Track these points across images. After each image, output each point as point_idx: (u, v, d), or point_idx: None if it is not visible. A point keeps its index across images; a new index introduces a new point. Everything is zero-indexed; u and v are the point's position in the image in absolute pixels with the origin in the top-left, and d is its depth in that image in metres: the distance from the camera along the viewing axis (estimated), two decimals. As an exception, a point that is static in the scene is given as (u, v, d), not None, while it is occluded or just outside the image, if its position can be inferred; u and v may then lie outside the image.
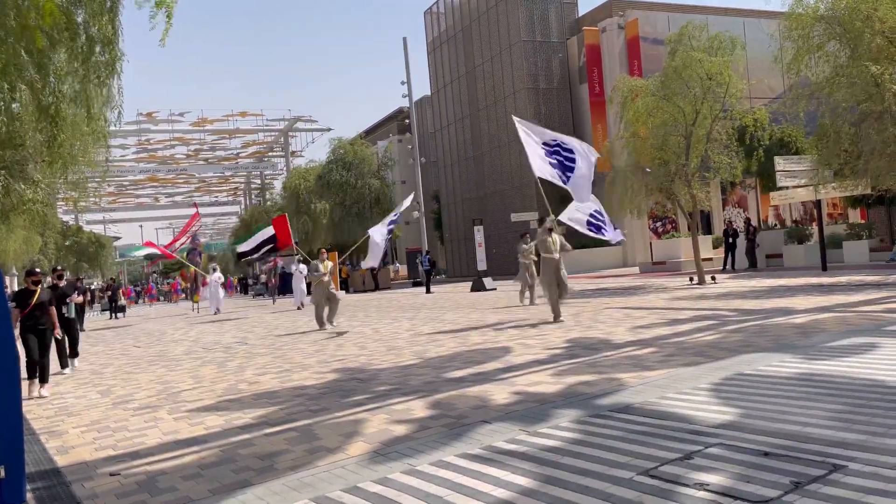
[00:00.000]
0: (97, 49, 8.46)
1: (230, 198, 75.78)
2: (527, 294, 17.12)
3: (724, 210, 34.34)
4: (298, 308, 24.11)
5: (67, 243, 55.97)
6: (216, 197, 74.86)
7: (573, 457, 4.30)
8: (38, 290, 9.32)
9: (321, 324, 15.05)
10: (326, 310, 15.15)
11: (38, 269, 10.01)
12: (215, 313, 25.37)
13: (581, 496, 3.62)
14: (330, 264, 15.54)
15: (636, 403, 5.54)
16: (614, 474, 3.89)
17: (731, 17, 34.17)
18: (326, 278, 15.12)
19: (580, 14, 37.26)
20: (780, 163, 20.83)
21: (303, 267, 23.44)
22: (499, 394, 6.49)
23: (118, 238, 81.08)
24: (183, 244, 32.89)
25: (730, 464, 3.88)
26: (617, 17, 34.08)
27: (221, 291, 26.41)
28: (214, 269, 27.03)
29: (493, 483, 3.96)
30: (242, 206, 72.94)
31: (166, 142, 52.89)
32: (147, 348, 14.58)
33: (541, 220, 12.01)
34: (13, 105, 9.45)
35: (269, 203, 57.22)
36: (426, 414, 5.94)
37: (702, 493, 3.48)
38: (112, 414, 7.34)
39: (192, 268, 28.37)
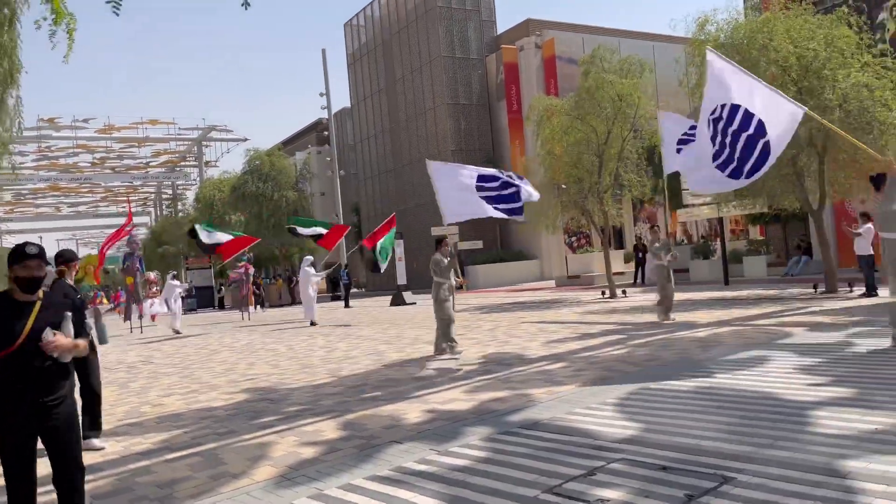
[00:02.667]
0: None
1: (139, 208, 72.80)
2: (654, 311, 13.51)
3: (635, 226, 35.63)
4: (312, 324, 18.84)
5: (-42, 255, 52.46)
6: (124, 207, 71.75)
7: (482, 476, 4.33)
8: None
9: None
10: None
11: None
12: (175, 333, 19.72)
13: (486, 517, 3.64)
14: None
15: (545, 419, 5.65)
16: (520, 492, 3.94)
17: (642, 40, 35.63)
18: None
19: (499, 32, 38.03)
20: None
21: (311, 270, 19.34)
22: (412, 413, 6.48)
23: (16, 249, 76.54)
24: (111, 247, 29.36)
25: (630, 479, 4.00)
26: (534, 37, 34.96)
27: (180, 305, 21.54)
28: (174, 276, 22.98)
29: (400, 506, 3.93)
30: (153, 218, 70.28)
31: (69, 149, 50.35)
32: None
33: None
34: None
35: (181, 214, 55.35)
36: (337, 435, 5.86)
37: (602, 510, 3.57)
38: None
39: (129, 278, 23.63)
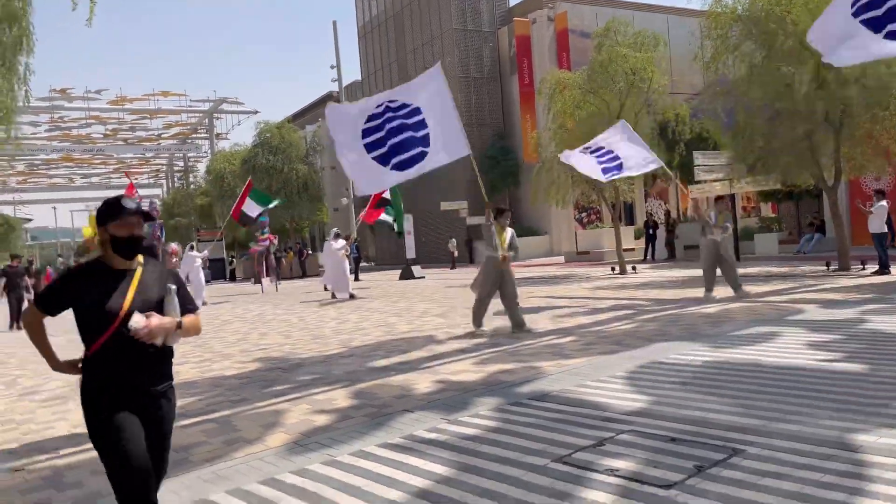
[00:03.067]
0: (4, 25, 8.00)
1: (151, 180, 73.02)
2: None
3: (645, 202, 35.44)
4: (352, 297, 17.59)
5: (-28, 224, 52.86)
6: (136, 179, 71.94)
7: (491, 445, 4.38)
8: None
9: None
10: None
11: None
12: (204, 303, 19.10)
13: (497, 483, 3.69)
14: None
15: (554, 391, 5.69)
16: (530, 461, 3.99)
17: (656, 13, 35.13)
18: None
19: (511, 4, 37.57)
20: (699, 157, 21.63)
21: (342, 242, 18.01)
22: (422, 383, 6.54)
23: (29, 220, 77.08)
24: None
25: (639, 450, 4.04)
26: (547, 9, 34.52)
27: (202, 277, 20.05)
28: (192, 247, 21.31)
29: (411, 472, 3.99)
30: (164, 190, 70.46)
31: (81, 120, 50.42)
32: (56, 336, 13.93)
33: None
34: None
35: (192, 187, 55.51)
36: (348, 404, 5.93)
37: (611, 479, 3.62)
38: (17, 406, 7.00)
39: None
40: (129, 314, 2.74)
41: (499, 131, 36.61)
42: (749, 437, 4.10)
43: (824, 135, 14.70)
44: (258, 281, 24.69)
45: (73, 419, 6.18)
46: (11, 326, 16.69)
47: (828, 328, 7.72)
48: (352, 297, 17.53)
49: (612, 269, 20.58)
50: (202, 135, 57.80)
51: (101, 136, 54.75)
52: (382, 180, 8.93)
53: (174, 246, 26.30)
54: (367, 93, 44.46)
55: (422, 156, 8.52)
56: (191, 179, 59.47)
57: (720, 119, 18.49)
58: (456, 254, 31.41)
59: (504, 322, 9.70)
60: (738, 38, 15.37)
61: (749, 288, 12.02)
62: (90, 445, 5.17)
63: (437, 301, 15.14)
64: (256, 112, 53.53)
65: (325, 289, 19.36)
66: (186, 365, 8.78)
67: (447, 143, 8.68)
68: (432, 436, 4.70)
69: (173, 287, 2.93)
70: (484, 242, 9.69)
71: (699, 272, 17.63)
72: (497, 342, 8.67)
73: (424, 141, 8.51)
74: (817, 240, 20.94)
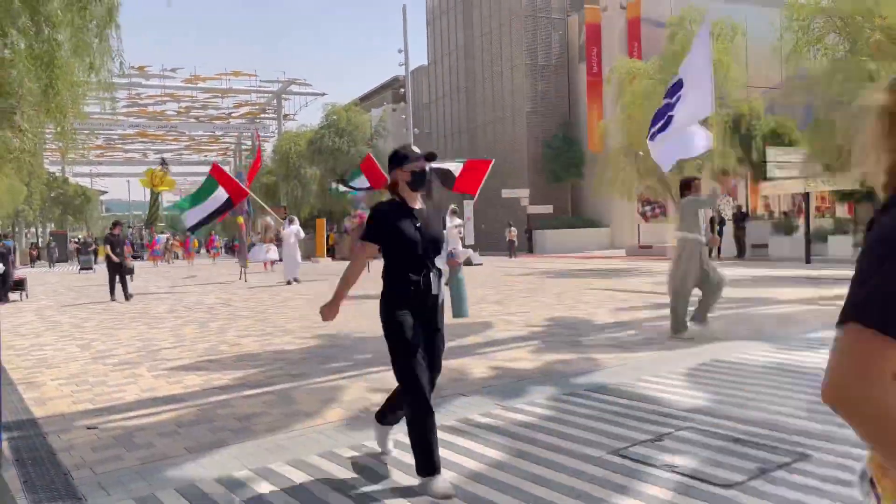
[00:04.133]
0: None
1: (219, 158, 75.05)
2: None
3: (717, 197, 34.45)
4: (291, 282, 18.52)
5: (53, 195, 55.44)
6: (206, 156, 74.10)
7: (546, 433, 4.36)
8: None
9: None
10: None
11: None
12: (290, 282, 18.39)
13: (550, 471, 3.68)
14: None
15: (612, 384, 5.62)
16: (585, 452, 3.96)
17: (734, 3, 33.91)
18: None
19: (583, -9, 36.91)
20: (773, 153, 20.89)
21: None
22: (477, 368, 6.55)
23: (104, 192, 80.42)
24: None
25: (699, 447, 3.95)
26: (619, -3, 33.78)
27: (298, 253, 19.10)
28: (291, 221, 19.98)
29: (465, 454, 4.01)
30: (232, 168, 72.35)
31: (157, 97, 52.15)
32: (129, 304, 14.55)
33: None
34: (4, 52, 9.28)
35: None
36: (405, 384, 5.98)
37: (669, 475, 3.55)
38: (91, 368, 7.35)
39: (239, 218, 20.56)
40: (425, 243, 3.63)
41: (564, 121, 36.15)
42: (816, 441, 3.97)
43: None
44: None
45: (142, 384, 6.45)
46: (112, 298, 15.23)
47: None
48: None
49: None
50: (270, 115, 59.01)
51: (175, 113, 56.52)
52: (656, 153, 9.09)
53: (269, 220, 24.52)
54: (432, 77, 44.52)
55: (668, 121, 8.53)
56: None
57: (797, 114, 17.79)
58: (516, 242, 31.16)
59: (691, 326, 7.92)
60: (821, 31, 14.75)
61: (787, 291, 11.55)
62: (159, 409, 5.41)
63: (495, 287, 15.12)
64: (324, 94, 54.21)
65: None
66: (249, 338, 9.04)
67: (693, 103, 8.35)
68: (486, 420, 4.71)
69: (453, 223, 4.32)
70: (684, 222, 7.71)
71: (768, 271, 17.10)
72: (554, 332, 8.61)
73: (673, 107, 8.50)
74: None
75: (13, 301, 16.18)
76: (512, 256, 29.47)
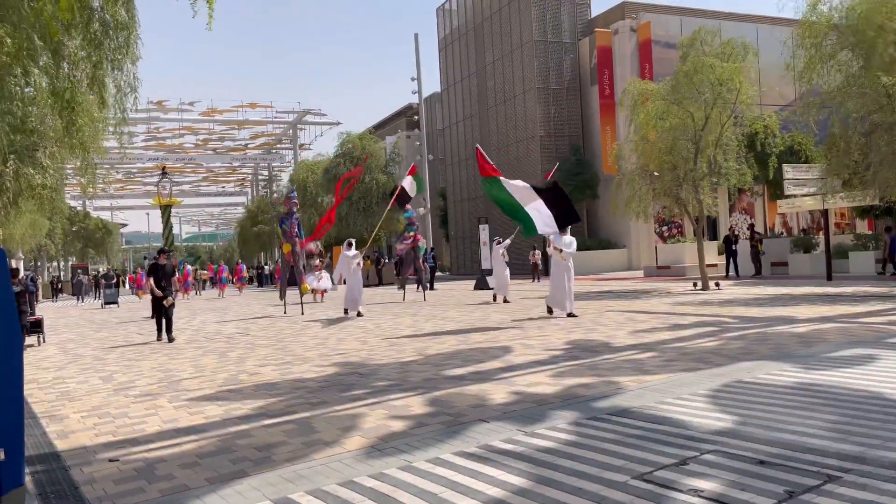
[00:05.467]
0: (111, 34, 8.51)
1: (237, 188, 75.93)
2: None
3: (730, 216, 34.27)
4: (350, 314, 16.51)
5: (74, 228, 56.30)
6: (223, 187, 75.04)
7: (568, 458, 4.31)
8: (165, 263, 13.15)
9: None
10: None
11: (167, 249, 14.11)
12: (348, 314, 16.44)
13: (574, 498, 3.63)
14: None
15: (634, 407, 5.55)
16: (609, 477, 3.90)
17: (744, 22, 34.03)
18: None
19: (593, 15, 37.21)
20: (789, 171, 20.77)
21: (505, 243, 19.24)
22: (497, 393, 6.51)
23: (125, 225, 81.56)
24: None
25: (725, 471, 3.89)
26: (629, 20, 34.02)
27: (360, 281, 16.92)
28: (350, 245, 17.58)
29: (487, 482, 3.97)
30: (249, 198, 73.10)
31: (175, 130, 53.05)
32: (149, 336, 14.65)
33: None
34: (27, 90, 9.50)
35: (275, 195, 57.35)
36: (424, 411, 5.96)
37: (695, 500, 3.49)
38: (113, 400, 7.39)
39: (287, 245, 18.42)
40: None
41: (577, 143, 36.24)
42: (846, 463, 3.88)
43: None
44: (402, 286, 22.08)
45: (163, 415, 6.47)
46: (159, 338, 13.17)
47: (932, 353, 7.23)
48: (505, 301, 17.99)
49: (694, 284, 19.97)
50: (286, 145, 59.74)
51: (193, 145, 57.41)
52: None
53: (313, 246, 22.21)
54: (445, 104, 44.90)
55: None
56: (274, 188, 61.45)
57: (812, 132, 17.70)
58: (540, 266, 30.52)
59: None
60: (834, 47, 14.73)
61: (808, 309, 11.38)
62: (180, 440, 5.42)
63: (510, 311, 15.06)
64: (338, 123, 55.08)
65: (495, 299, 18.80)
66: (268, 367, 9.06)
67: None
68: (508, 447, 4.66)
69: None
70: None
71: (786, 289, 16.89)
72: (574, 355, 8.55)
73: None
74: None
75: (28, 346, 13.31)
76: (535, 280, 28.76)
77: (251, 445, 5.16)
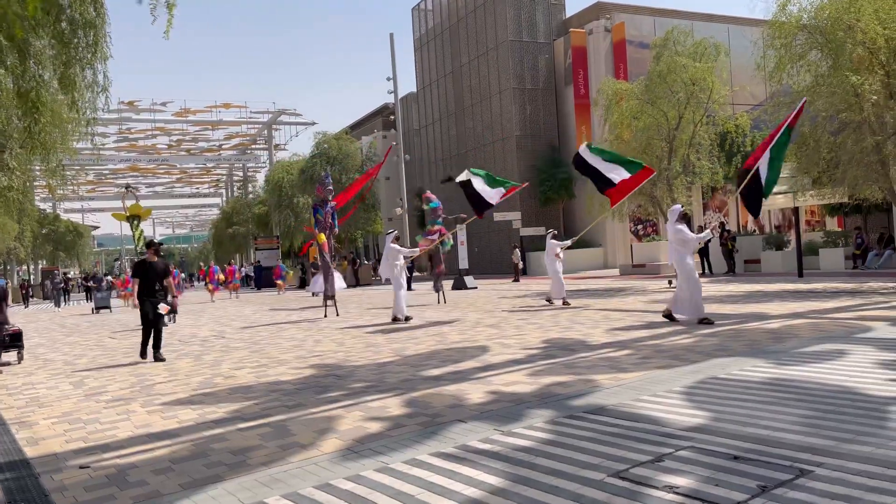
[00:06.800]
0: (80, 33, 8.36)
1: (211, 189, 75.15)
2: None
3: (704, 214, 34.67)
4: (566, 303, 15.52)
5: (44, 231, 55.31)
6: (197, 188, 74.25)
7: (546, 457, 4.32)
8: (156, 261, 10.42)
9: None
10: None
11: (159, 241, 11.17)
12: (399, 319, 14.15)
13: (552, 496, 3.64)
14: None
15: (610, 405, 5.58)
16: (585, 475, 3.92)
17: (716, 23, 34.47)
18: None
19: (567, 16, 37.42)
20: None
21: (557, 244, 16.40)
22: (474, 393, 6.51)
23: (96, 227, 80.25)
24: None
25: (699, 467, 3.92)
26: (604, 20, 34.27)
27: (403, 280, 14.75)
28: (395, 235, 15.27)
29: (464, 482, 3.97)
30: (224, 199, 72.40)
31: (148, 131, 52.33)
32: (122, 340, 14.44)
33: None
34: None
35: (251, 196, 56.90)
36: (401, 412, 5.94)
37: (671, 496, 3.51)
38: (84, 406, 7.26)
39: (321, 235, 16.58)
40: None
41: (553, 143, 36.43)
42: (817, 457, 3.94)
43: (894, 147, 14.12)
44: (438, 288, 19.33)
45: (136, 420, 6.38)
46: (143, 354, 10.46)
47: (900, 347, 7.37)
48: (566, 303, 15.56)
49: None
50: (261, 145, 59.26)
51: (166, 146, 56.69)
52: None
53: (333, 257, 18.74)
54: (421, 104, 44.89)
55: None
56: (249, 189, 60.94)
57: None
58: (521, 265, 30.52)
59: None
60: (803, 48, 14.95)
61: (780, 306, 11.54)
62: (153, 445, 5.34)
63: (488, 311, 15.09)
64: (314, 123, 54.74)
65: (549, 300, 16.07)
66: (244, 370, 8.97)
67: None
68: (485, 446, 4.66)
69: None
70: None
71: (758, 286, 17.13)
72: (551, 354, 8.58)
73: None
74: (888, 256, 20.08)
75: (6, 364, 11.07)
76: (517, 280, 28.66)
77: (226, 449, 5.10)
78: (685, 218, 12.06)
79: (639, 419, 5.07)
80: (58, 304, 33.27)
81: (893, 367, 6.33)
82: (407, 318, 14.12)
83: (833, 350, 7.45)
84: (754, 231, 33.49)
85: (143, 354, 10.39)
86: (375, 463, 4.46)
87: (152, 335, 10.37)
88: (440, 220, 19.24)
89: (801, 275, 19.82)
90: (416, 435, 5.10)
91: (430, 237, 18.86)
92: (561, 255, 16.10)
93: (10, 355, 11.47)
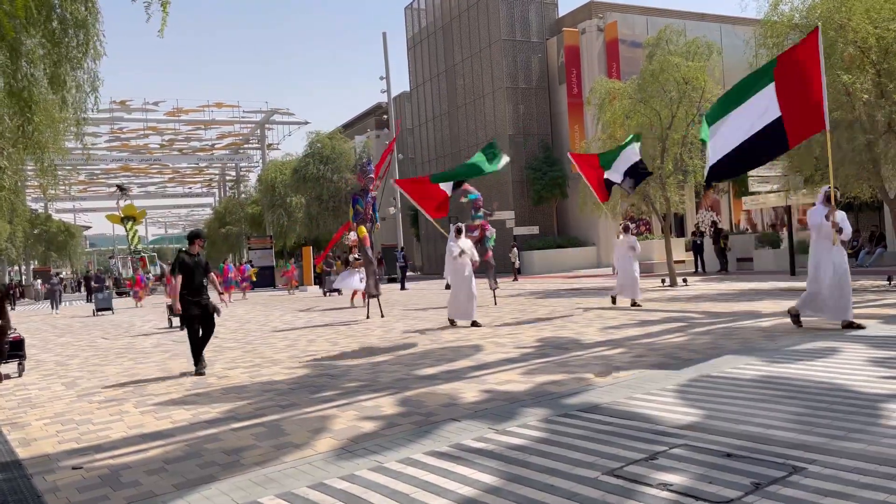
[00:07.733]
0: (70, 32, 8.31)
1: (204, 189, 74.85)
2: None
3: (696, 213, 34.76)
4: (634, 304, 14.12)
5: (36, 231, 55.04)
6: (189, 188, 73.93)
7: (540, 455, 4.33)
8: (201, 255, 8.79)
9: None
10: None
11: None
12: (456, 324, 12.57)
13: (546, 495, 3.64)
14: None
15: (604, 403, 5.60)
16: (580, 473, 3.93)
17: (708, 22, 34.56)
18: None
19: (560, 15, 37.43)
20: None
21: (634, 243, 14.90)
22: (469, 392, 6.51)
23: (88, 227, 79.89)
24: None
25: (693, 464, 3.93)
26: (596, 19, 34.29)
27: (468, 278, 12.71)
28: (459, 231, 13.38)
29: (459, 481, 3.97)
30: (216, 199, 72.15)
31: (140, 131, 52.06)
32: (115, 340, 14.38)
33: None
34: None
35: (243, 196, 56.73)
36: (395, 411, 5.94)
37: (664, 494, 3.53)
38: (76, 406, 7.23)
39: (361, 228, 14.63)
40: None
41: (546, 142, 36.45)
42: (810, 454, 3.96)
43: (885, 146, 14.19)
44: (492, 286, 17.54)
45: (129, 420, 6.35)
46: (198, 366, 8.88)
47: (890, 344, 7.42)
48: (634, 304, 14.10)
49: (662, 281, 20.22)
50: (254, 145, 59.04)
51: (158, 146, 56.41)
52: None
53: (352, 236, 17.07)
54: (414, 103, 44.86)
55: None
56: (242, 189, 60.73)
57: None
58: (518, 264, 30.36)
59: None
60: (796, 46, 14.97)
61: (773, 304, 11.54)
62: (146, 445, 5.32)
63: (484, 312, 15.08)
64: (307, 123, 54.56)
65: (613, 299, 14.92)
66: (237, 369, 8.94)
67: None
68: (479, 445, 4.67)
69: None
70: None
71: (751, 284, 17.19)
72: (545, 352, 8.59)
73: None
74: (879, 254, 20.18)
75: (7, 376, 9.63)
76: (515, 280, 28.17)
77: (220, 449, 5.09)
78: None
79: (632, 417, 5.09)
80: (54, 307, 30.61)
81: (885, 365, 6.37)
82: (474, 324, 12.14)
83: (825, 348, 7.48)
84: (747, 229, 33.59)
85: (198, 362, 8.81)
86: (370, 462, 4.46)
87: (200, 338, 8.91)
88: (481, 213, 17.53)
89: (793, 273, 19.89)
90: (411, 434, 5.10)
91: (471, 234, 16.39)
92: (638, 248, 14.61)
93: (10, 367, 9.88)
